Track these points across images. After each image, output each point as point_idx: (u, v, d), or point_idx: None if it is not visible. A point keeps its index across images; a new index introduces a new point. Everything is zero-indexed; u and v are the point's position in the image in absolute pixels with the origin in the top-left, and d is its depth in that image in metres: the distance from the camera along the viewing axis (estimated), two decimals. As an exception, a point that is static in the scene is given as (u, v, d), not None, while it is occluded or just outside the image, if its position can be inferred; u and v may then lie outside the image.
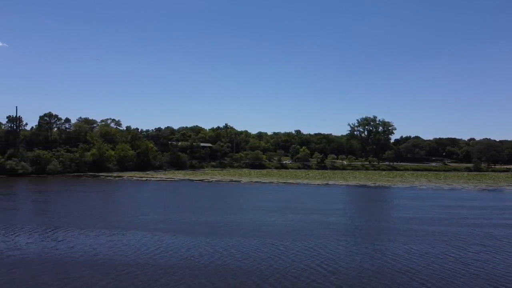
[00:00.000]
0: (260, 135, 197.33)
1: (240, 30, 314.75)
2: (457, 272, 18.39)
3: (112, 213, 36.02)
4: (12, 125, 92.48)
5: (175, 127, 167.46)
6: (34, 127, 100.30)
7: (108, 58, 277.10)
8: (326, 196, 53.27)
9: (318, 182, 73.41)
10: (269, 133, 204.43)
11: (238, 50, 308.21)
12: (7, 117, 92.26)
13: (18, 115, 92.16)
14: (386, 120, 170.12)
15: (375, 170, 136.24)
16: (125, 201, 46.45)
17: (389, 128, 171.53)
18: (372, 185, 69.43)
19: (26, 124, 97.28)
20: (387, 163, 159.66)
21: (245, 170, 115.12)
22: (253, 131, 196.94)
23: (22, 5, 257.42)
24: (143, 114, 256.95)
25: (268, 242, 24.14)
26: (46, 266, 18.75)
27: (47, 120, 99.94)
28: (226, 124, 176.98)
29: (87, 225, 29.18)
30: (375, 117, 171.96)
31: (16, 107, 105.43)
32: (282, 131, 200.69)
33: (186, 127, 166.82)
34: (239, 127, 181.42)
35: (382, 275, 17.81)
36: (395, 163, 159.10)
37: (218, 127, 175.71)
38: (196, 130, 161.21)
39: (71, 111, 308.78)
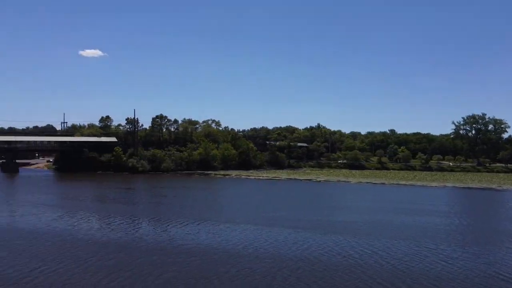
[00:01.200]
0: (354, 135, 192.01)
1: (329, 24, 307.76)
2: None
3: (246, 209, 37.35)
4: (131, 126, 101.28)
5: (269, 127, 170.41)
6: (148, 128, 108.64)
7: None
8: (453, 199, 49.61)
9: (435, 184, 68.51)
10: (363, 132, 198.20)
11: (320, 51, 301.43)
12: (126, 119, 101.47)
13: (135, 117, 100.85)
14: (497, 118, 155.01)
15: (488, 172, 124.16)
16: (250, 197, 47.94)
17: (501, 126, 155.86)
18: (499, 188, 62.82)
19: (142, 125, 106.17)
20: (500, 164, 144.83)
21: (345, 171, 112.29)
22: (346, 130, 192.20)
23: (119, 14, 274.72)
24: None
25: (424, 246, 22.97)
26: (229, 260, 19.66)
27: (158, 121, 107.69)
28: (318, 124, 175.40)
29: (228, 219, 30.63)
30: (484, 114, 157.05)
31: (134, 110, 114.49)
32: (376, 131, 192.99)
33: (281, 127, 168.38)
34: (330, 127, 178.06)
35: None
36: (509, 165, 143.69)
37: (311, 127, 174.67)
38: (291, 130, 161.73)
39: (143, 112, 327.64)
